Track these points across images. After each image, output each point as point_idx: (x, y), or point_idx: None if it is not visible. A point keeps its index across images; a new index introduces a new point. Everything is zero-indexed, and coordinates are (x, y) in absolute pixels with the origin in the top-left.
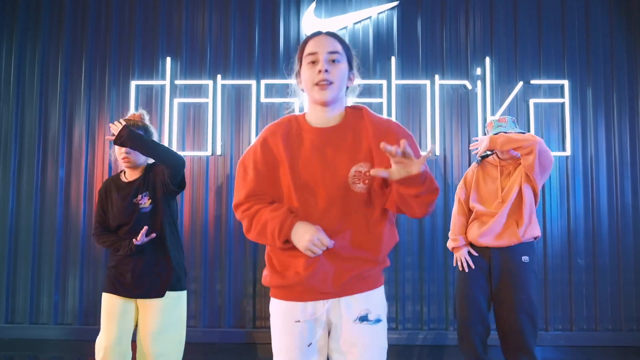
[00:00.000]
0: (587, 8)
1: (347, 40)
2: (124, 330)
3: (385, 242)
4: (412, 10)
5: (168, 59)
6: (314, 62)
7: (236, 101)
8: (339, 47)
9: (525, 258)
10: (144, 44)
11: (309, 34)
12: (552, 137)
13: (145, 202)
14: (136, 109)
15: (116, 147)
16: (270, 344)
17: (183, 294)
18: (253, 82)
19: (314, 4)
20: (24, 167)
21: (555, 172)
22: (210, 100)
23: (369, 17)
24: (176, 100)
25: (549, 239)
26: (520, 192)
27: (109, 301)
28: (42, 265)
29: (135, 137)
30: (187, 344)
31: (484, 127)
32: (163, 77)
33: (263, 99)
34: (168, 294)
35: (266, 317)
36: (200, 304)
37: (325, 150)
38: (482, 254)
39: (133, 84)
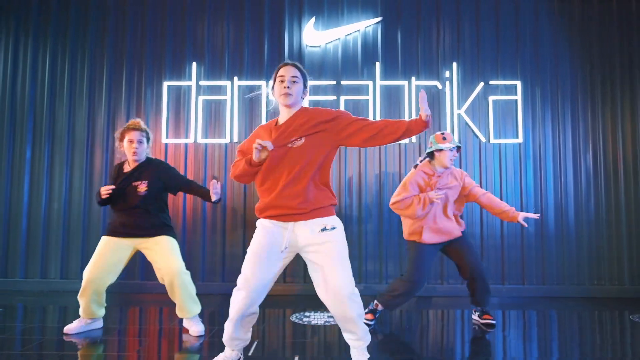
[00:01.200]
0: (537, 20)
1: (339, 49)
2: (110, 265)
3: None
4: (393, 24)
5: (194, 64)
6: (282, 81)
7: (250, 98)
8: (298, 74)
9: None
10: (173, 51)
11: (309, 43)
12: (508, 128)
13: (142, 188)
14: (168, 105)
15: (126, 141)
16: None
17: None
18: (263, 83)
19: (313, 19)
20: (75, 155)
21: (510, 156)
22: (228, 97)
23: (358, 30)
24: (200, 98)
25: None
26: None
27: (105, 241)
28: (90, 233)
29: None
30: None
31: (452, 119)
32: (190, 79)
33: (271, 97)
34: (169, 237)
35: None
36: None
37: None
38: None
39: (165, 84)
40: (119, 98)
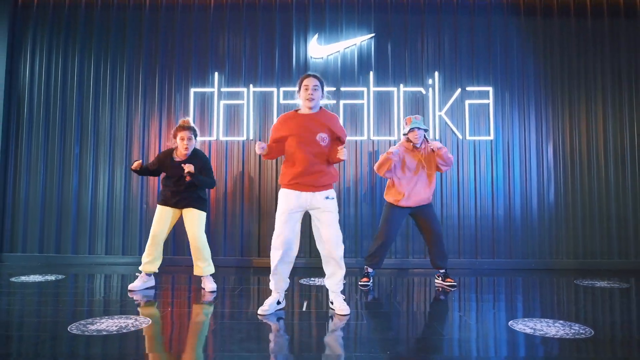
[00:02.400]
0: (506, 34)
1: (338, 60)
2: (165, 227)
3: (331, 172)
4: (385, 39)
5: (216, 73)
6: (306, 89)
7: (263, 103)
8: (317, 83)
9: None
10: (198, 62)
11: (313, 55)
12: (481, 127)
13: (188, 178)
14: (194, 109)
15: (179, 138)
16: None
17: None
18: (275, 89)
19: (316, 35)
20: (116, 151)
21: (483, 151)
22: (245, 102)
23: (355, 44)
24: (222, 102)
25: (479, 198)
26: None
27: (160, 209)
28: (130, 216)
29: (197, 177)
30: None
31: (434, 120)
32: (212, 86)
33: (282, 101)
34: (199, 210)
35: None
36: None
37: (308, 124)
38: None
39: (192, 90)
40: (152, 102)
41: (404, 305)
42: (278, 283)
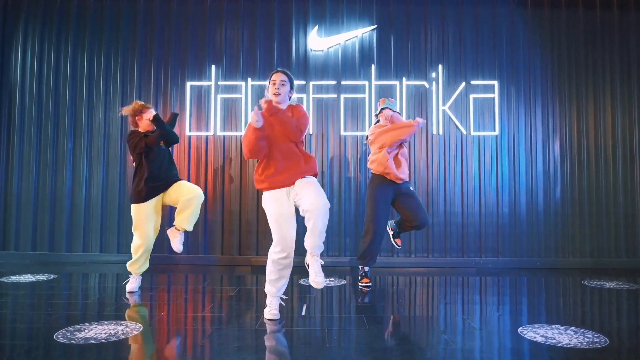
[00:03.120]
0: (512, 26)
1: (339, 53)
2: (152, 229)
3: (307, 162)
4: (386, 31)
5: (213, 66)
6: (274, 84)
7: (261, 96)
8: (285, 78)
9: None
10: (195, 55)
11: (313, 48)
12: (486, 122)
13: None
14: (191, 103)
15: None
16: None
17: None
18: None
19: (316, 27)
20: (110, 146)
21: (488, 146)
22: (243, 96)
23: (356, 36)
24: (219, 96)
25: (483, 195)
26: None
27: (138, 209)
28: (125, 213)
29: (167, 121)
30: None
31: (437, 114)
32: (209, 79)
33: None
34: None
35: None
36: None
37: (277, 120)
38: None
39: (188, 84)
40: (147, 96)
41: (406, 308)
42: (281, 288)
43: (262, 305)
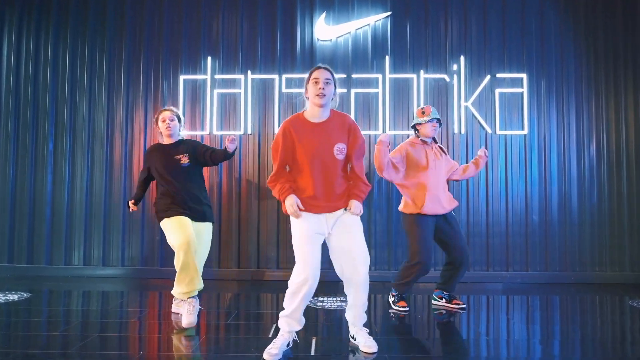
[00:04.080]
0: (542, 14)
1: (349, 43)
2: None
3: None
4: (402, 19)
5: (209, 58)
6: (316, 83)
7: (263, 91)
8: (330, 76)
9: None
10: (189, 46)
11: (320, 37)
12: (513, 120)
13: (184, 160)
14: (184, 99)
15: (160, 119)
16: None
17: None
18: (276, 76)
19: (324, 14)
20: (95, 147)
21: (515, 147)
22: (242, 90)
23: (368, 24)
24: (215, 91)
25: (510, 201)
26: None
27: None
28: (111, 222)
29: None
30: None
31: (459, 111)
32: (205, 73)
33: (284, 90)
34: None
35: (285, 261)
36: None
37: (320, 134)
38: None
39: (181, 78)
40: (136, 92)
41: (426, 334)
42: (293, 325)
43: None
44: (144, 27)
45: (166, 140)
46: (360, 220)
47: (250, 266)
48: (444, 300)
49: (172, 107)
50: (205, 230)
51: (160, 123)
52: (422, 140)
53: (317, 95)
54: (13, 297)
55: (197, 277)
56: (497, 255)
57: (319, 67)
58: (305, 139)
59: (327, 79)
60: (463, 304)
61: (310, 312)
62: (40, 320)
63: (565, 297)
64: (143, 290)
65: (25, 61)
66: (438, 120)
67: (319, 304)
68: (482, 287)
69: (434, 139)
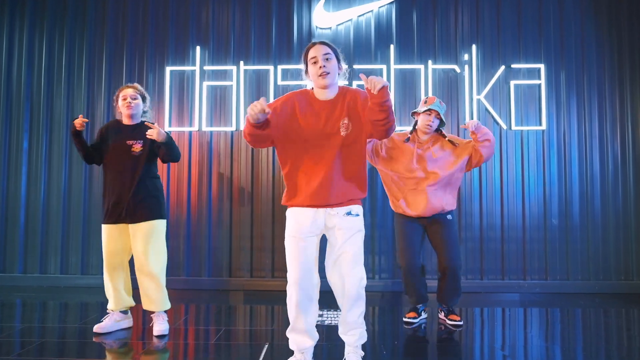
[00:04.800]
0: (561, 0)
1: (351, 31)
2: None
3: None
4: (408, 4)
5: (198, 48)
6: (315, 62)
7: (257, 84)
8: (329, 50)
9: None
10: (176, 35)
11: (319, 25)
12: (530, 114)
13: (137, 147)
14: (171, 92)
15: (121, 97)
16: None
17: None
18: (271, 67)
19: (323, 0)
20: (74, 148)
21: (532, 144)
22: (234, 83)
23: (371, 11)
24: (205, 84)
25: (527, 202)
26: None
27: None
28: (91, 226)
29: (169, 138)
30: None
31: (470, 105)
32: (193, 64)
33: (280, 82)
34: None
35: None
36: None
37: (323, 113)
38: None
39: (168, 69)
40: (119, 85)
41: (434, 350)
42: (302, 342)
43: None
44: (127, 14)
45: (125, 121)
46: (362, 220)
47: (243, 275)
48: (442, 314)
49: (136, 84)
50: (138, 234)
51: (120, 101)
52: (418, 138)
53: (320, 75)
54: None
55: (116, 296)
56: (513, 263)
57: (314, 43)
58: (308, 115)
59: (326, 53)
60: (459, 320)
61: None
62: (10, 340)
63: (588, 309)
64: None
65: None
66: (437, 114)
67: (318, 320)
68: (497, 297)
69: (441, 133)
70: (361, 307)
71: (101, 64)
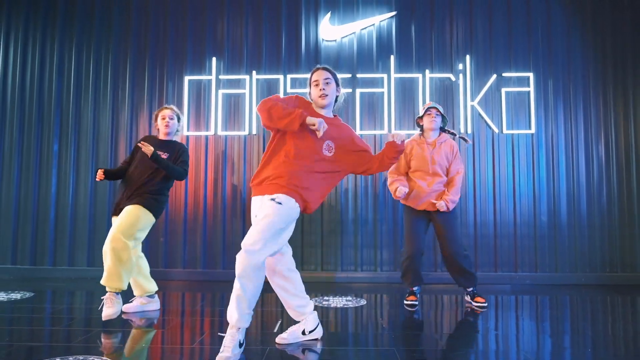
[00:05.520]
0: (549, 12)
1: (354, 43)
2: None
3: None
4: (407, 18)
5: (214, 59)
6: (317, 85)
7: (267, 92)
8: (329, 75)
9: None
10: (194, 46)
11: (325, 37)
12: (520, 119)
13: (163, 156)
14: (189, 100)
15: (160, 117)
16: None
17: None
18: (281, 77)
19: (329, 14)
20: (100, 148)
21: (522, 147)
22: (247, 91)
23: (373, 24)
24: (220, 92)
25: (518, 201)
26: None
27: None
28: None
29: (158, 159)
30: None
31: (465, 111)
32: (210, 73)
33: (289, 90)
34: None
35: None
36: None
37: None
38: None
39: (186, 78)
40: (141, 93)
41: (436, 328)
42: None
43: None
44: (149, 28)
45: (161, 137)
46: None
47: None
48: (468, 297)
49: (172, 106)
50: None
51: (159, 120)
52: (426, 139)
53: (320, 97)
54: (15, 296)
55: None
56: (505, 257)
57: (317, 69)
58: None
59: (326, 78)
60: (484, 302)
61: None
62: (42, 317)
63: (575, 297)
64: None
65: (31, 64)
66: (437, 110)
67: (324, 302)
68: (491, 288)
69: (447, 130)
70: None
71: (125, 73)
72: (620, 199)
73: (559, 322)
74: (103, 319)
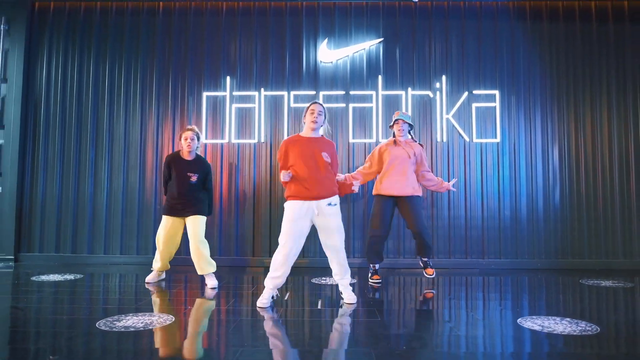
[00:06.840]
0: (513, 38)
1: (347, 64)
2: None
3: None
4: (393, 43)
5: (228, 77)
6: (312, 113)
7: (274, 106)
8: (322, 109)
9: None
10: (211, 67)
11: (323, 60)
12: (488, 129)
13: (194, 178)
14: (207, 113)
15: (183, 138)
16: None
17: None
18: (285, 93)
19: (326, 40)
20: (130, 154)
21: (489, 153)
22: (256, 105)
23: (364, 49)
24: (234, 106)
25: (485, 199)
26: None
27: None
28: (144, 218)
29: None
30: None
31: (441, 123)
32: (224, 90)
33: (292, 104)
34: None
35: None
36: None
37: (313, 144)
38: None
39: (204, 94)
40: (165, 106)
41: (414, 302)
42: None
43: (279, 301)
44: (172, 49)
45: (185, 155)
46: (338, 212)
47: (263, 255)
48: (422, 265)
49: (193, 127)
50: (190, 223)
51: (182, 141)
52: (394, 141)
53: (312, 122)
54: (69, 277)
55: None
56: (475, 246)
57: (315, 103)
58: (302, 147)
59: (320, 111)
60: (432, 274)
61: (316, 286)
62: (101, 289)
63: (532, 278)
64: (171, 274)
65: (70, 80)
66: (405, 122)
67: (322, 281)
68: (462, 271)
69: (412, 138)
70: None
71: (151, 89)
72: (571, 197)
73: (518, 295)
74: (211, 287)
